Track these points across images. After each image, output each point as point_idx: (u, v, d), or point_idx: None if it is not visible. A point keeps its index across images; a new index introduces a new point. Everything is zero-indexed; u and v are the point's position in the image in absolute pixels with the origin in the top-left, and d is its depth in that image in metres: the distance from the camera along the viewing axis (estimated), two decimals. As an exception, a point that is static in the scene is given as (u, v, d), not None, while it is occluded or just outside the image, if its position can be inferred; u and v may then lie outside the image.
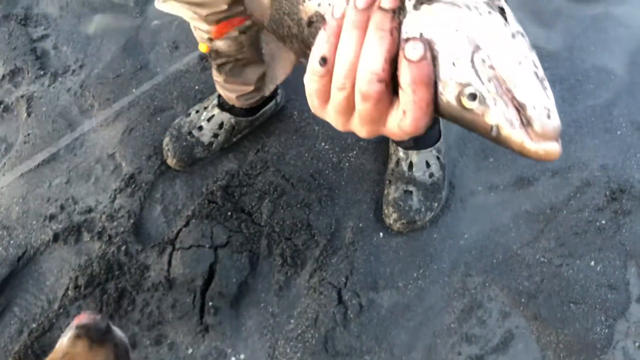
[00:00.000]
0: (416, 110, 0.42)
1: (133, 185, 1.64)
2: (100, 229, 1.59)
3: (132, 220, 1.59)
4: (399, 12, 0.42)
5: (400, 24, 0.42)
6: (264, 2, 0.53)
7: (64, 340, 0.90)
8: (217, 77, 1.48)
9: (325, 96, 0.47)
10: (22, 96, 1.83)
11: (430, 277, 1.51)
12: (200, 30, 1.25)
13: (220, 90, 1.56)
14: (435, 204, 1.56)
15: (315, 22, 0.48)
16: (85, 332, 0.90)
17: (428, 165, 1.57)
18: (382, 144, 1.67)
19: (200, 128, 1.64)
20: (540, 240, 1.54)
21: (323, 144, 1.70)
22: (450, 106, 0.42)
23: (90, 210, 1.62)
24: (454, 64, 0.41)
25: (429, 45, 0.41)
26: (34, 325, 1.47)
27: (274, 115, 1.74)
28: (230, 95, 1.54)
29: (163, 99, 1.79)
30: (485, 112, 0.41)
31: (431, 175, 1.57)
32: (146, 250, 1.55)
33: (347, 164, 1.67)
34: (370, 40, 0.42)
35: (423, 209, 1.55)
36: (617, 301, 1.45)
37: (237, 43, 1.30)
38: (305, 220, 1.58)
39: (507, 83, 0.40)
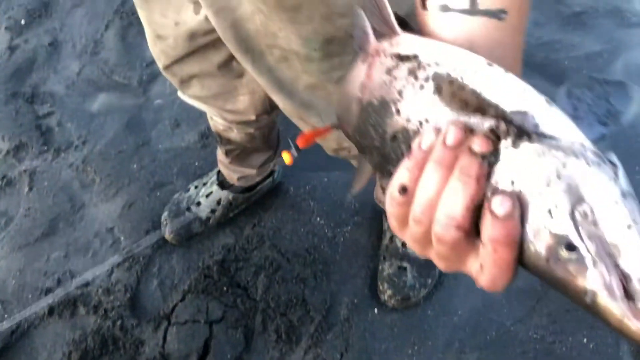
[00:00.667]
0: (494, 269, 0.38)
1: (131, 260, 1.66)
2: (96, 303, 1.59)
3: (128, 295, 1.60)
4: (490, 157, 0.39)
5: (490, 172, 0.39)
6: (353, 111, 0.51)
7: None
8: (222, 158, 1.54)
9: (404, 222, 0.44)
10: (25, 171, 1.88)
11: (424, 355, 1.51)
12: (217, 123, 1.31)
13: (222, 169, 1.62)
14: (429, 280, 1.59)
15: (400, 138, 0.46)
16: None
17: (421, 241, 1.60)
18: (375, 219, 1.72)
19: (199, 204, 1.69)
20: (532, 316, 1.55)
21: (318, 219, 1.74)
22: (539, 259, 0.37)
23: (87, 284, 1.63)
24: (550, 212, 0.36)
25: (519, 201, 0.37)
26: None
27: (271, 191, 1.79)
28: (232, 175, 1.60)
29: (163, 175, 1.85)
30: (581, 273, 0.35)
31: (424, 251, 1.60)
32: (142, 324, 1.55)
33: (342, 239, 1.70)
34: (453, 184, 0.39)
35: (417, 285, 1.57)
36: (611, 379, 1.45)
37: (249, 135, 1.36)
38: (300, 295, 1.59)
39: (610, 246, 0.35)
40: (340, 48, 0.82)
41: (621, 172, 0.37)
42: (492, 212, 0.37)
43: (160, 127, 1.99)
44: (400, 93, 0.45)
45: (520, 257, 0.38)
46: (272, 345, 1.52)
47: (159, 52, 1.08)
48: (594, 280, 0.34)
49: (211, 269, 1.63)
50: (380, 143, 0.47)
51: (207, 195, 1.69)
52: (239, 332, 1.53)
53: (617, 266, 0.34)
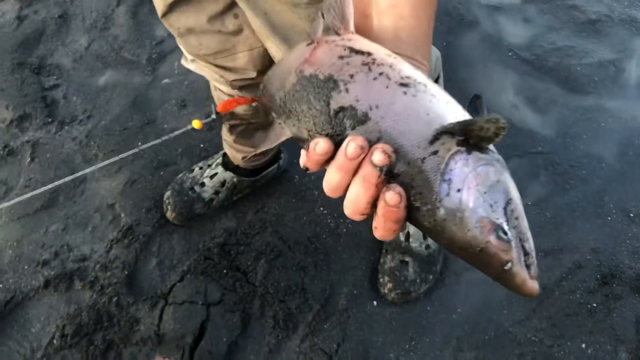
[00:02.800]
0: (384, 232, 0.52)
1: (130, 237, 1.64)
2: (92, 278, 1.57)
3: (126, 272, 1.58)
4: (386, 171, 0.50)
5: (384, 181, 0.50)
6: (288, 80, 0.58)
7: None
8: (227, 136, 1.52)
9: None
10: (27, 141, 1.85)
11: (422, 350, 1.50)
12: (221, 92, 1.29)
13: (227, 149, 1.60)
14: (431, 276, 1.58)
15: (346, 114, 0.54)
16: None
17: (425, 237, 1.60)
18: (379, 213, 1.70)
19: (203, 184, 1.67)
20: (532, 319, 1.54)
21: (322, 208, 1.73)
22: (476, 239, 0.50)
23: (84, 259, 1.61)
24: (491, 206, 0.50)
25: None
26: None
27: (276, 178, 1.77)
28: (236, 155, 1.58)
29: (167, 154, 1.83)
30: (507, 251, 0.50)
31: (427, 247, 1.59)
32: (138, 303, 1.53)
33: (345, 230, 1.69)
34: (356, 185, 0.50)
35: (418, 281, 1.56)
36: (608, 386, 1.44)
37: (253, 108, 1.35)
38: (300, 283, 1.58)
39: (521, 234, 0.51)
40: None
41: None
42: (385, 201, 0.49)
43: (166, 106, 1.96)
44: (352, 76, 0.54)
45: (460, 242, 0.51)
46: (268, 332, 1.51)
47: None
48: (513, 256, 0.50)
49: (212, 252, 1.61)
50: (318, 112, 0.54)
51: (212, 177, 1.67)
52: (236, 316, 1.52)
53: (523, 247, 0.51)
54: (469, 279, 1.61)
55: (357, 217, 0.52)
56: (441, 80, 1.19)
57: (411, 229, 1.59)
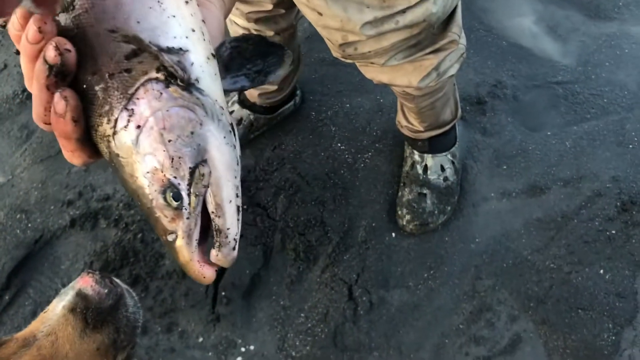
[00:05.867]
0: (63, 151, 0.44)
1: (151, 176, 1.66)
2: (117, 217, 1.61)
3: (148, 209, 1.61)
4: (57, 72, 0.40)
5: (57, 82, 0.41)
6: None
7: (57, 307, 0.74)
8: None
9: None
10: (45, 85, 1.87)
11: (440, 279, 1.53)
12: (237, 25, 1.28)
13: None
14: (449, 208, 1.59)
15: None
16: (83, 307, 0.73)
17: (443, 169, 1.60)
18: (397, 147, 1.70)
19: (220, 123, 1.67)
20: (550, 247, 1.55)
21: (339, 144, 1.73)
22: (143, 192, 0.42)
23: (107, 198, 1.65)
24: (173, 160, 0.41)
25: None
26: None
27: (292, 115, 1.77)
28: (252, 92, 1.58)
29: (184, 94, 1.83)
30: (174, 219, 0.42)
31: (445, 179, 1.59)
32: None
33: (362, 165, 1.69)
34: (34, 85, 0.42)
35: (436, 212, 1.57)
36: (625, 309, 1.46)
37: None
38: (319, 217, 1.60)
39: (213, 206, 0.42)
40: None
41: (238, 145, 0.44)
42: (55, 111, 0.41)
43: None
44: None
45: (125, 179, 0.43)
46: (289, 264, 1.54)
47: None
48: (180, 227, 0.42)
49: (231, 188, 1.63)
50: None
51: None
52: (257, 250, 1.55)
53: (213, 220, 0.42)
54: (487, 210, 1.62)
55: (42, 126, 0.43)
56: (459, 10, 1.16)
57: (429, 161, 1.59)
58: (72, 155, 0.44)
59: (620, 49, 1.89)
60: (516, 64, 1.84)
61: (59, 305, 0.74)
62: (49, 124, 0.42)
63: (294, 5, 1.03)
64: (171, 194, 0.41)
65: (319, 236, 1.57)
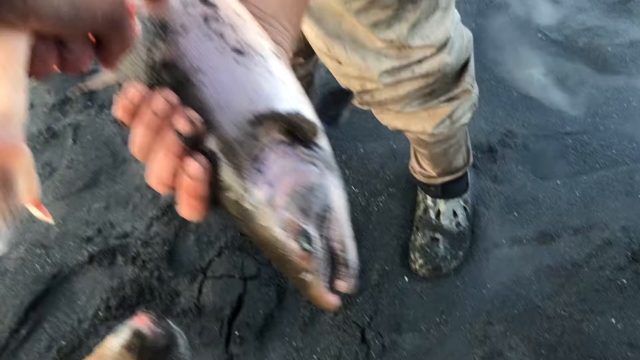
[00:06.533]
0: (187, 207, 0.46)
1: (169, 214, 1.70)
2: (134, 254, 1.64)
3: (166, 248, 1.64)
4: (188, 141, 0.44)
5: (186, 150, 0.44)
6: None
7: (114, 344, 0.76)
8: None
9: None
10: (69, 124, 1.93)
11: (452, 323, 1.54)
12: None
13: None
14: (461, 253, 1.61)
15: (169, 69, 0.47)
16: (139, 346, 0.75)
17: (455, 214, 1.63)
18: (410, 191, 1.74)
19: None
20: (561, 294, 1.57)
21: (353, 187, 1.77)
22: (277, 240, 0.46)
23: (126, 236, 1.68)
24: (302, 209, 0.46)
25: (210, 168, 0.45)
26: (62, 343, 1.51)
27: (308, 158, 1.81)
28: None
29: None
30: (308, 259, 0.46)
31: (458, 224, 1.62)
32: (178, 277, 1.59)
33: (376, 208, 1.73)
34: (158, 150, 0.45)
35: (449, 257, 1.59)
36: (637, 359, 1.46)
37: None
38: (332, 259, 1.62)
39: (338, 244, 0.47)
40: None
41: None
42: (186, 171, 0.44)
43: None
44: (184, 29, 0.47)
45: (259, 232, 0.47)
46: (303, 305, 1.56)
47: None
48: (312, 266, 0.46)
49: (247, 229, 1.67)
50: (139, 59, 0.48)
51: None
52: (271, 290, 1.57)
53: (337, 257, 0.47)
54: (498, 256, 1.64)
55: (161, 188, 0.46)
56: (471, 62, 1.21)
57: (442, 206, 1.63)
58: (194, 212, 0.47)
59: (628, 101, 1.95)
60: (526, 114, 1.90)
61: (116, 342, 0.76)
62: (171, 186, 0.46)
63: (313, 54, 1.09)
64: (304, 239, 0.46)
65: (332, 278, 1.59)
